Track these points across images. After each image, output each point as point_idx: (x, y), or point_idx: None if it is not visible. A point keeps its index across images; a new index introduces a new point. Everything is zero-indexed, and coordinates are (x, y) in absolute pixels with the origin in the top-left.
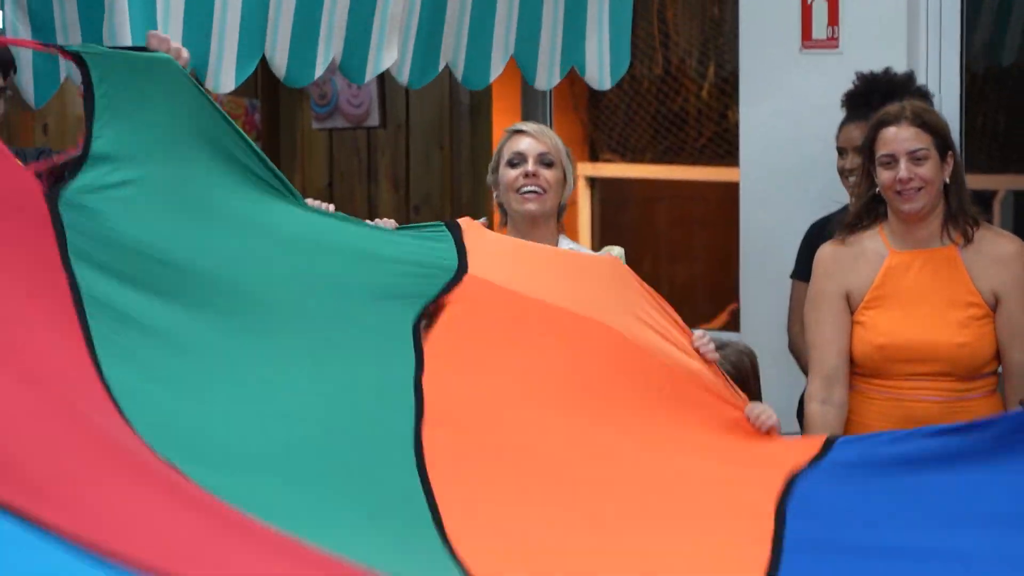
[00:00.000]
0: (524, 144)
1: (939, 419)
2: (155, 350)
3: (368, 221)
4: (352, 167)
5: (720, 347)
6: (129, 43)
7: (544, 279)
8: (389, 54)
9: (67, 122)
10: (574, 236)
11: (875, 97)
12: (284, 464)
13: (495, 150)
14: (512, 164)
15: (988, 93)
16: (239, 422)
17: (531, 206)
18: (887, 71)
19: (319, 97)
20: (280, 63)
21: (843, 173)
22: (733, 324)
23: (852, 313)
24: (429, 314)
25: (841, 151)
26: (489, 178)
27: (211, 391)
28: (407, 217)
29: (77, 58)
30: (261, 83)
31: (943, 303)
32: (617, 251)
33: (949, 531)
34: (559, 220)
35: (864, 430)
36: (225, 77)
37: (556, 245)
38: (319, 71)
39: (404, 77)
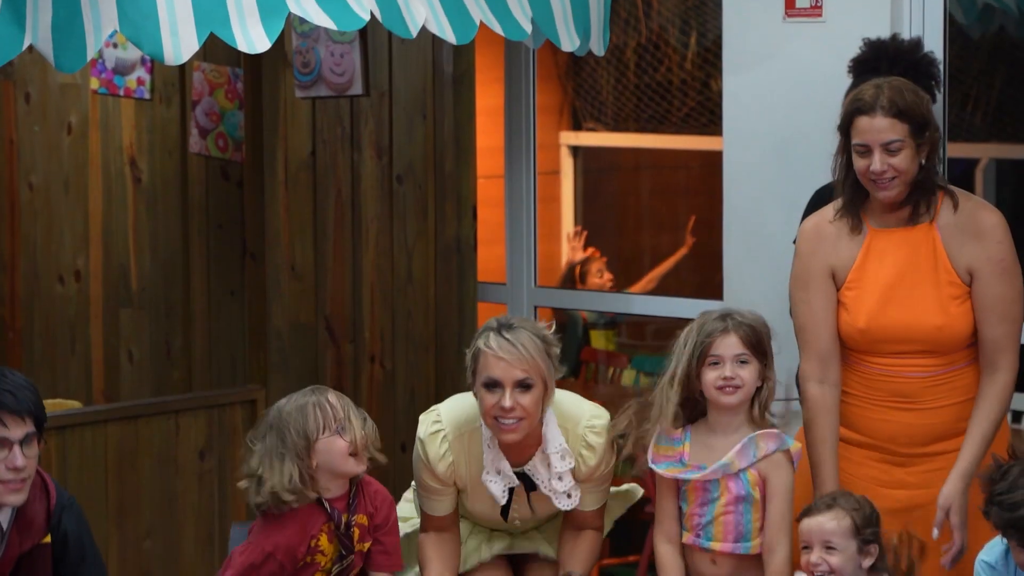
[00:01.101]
0: (499, 370)
1: (924, 391)
2: None
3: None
4: (335, 135)
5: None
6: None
7: None
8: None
9: (48, 92)
10: (557, 206)
11: (882, 63)
12: None
13: (469, 351)
14: (487, 387)
15: (972, 62)
16: None
17: (510, 437)
18: (894, 37)
19: (302, 66)
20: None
21: None
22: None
23: (838, 291)
24: None
25: None
26: (469, 378)
27: None
28: (390, 186)
29: None
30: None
31: (921, 283)
32: (600, 423)
33: None
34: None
35: (855, 401)
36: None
37: (540, 443)
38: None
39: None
